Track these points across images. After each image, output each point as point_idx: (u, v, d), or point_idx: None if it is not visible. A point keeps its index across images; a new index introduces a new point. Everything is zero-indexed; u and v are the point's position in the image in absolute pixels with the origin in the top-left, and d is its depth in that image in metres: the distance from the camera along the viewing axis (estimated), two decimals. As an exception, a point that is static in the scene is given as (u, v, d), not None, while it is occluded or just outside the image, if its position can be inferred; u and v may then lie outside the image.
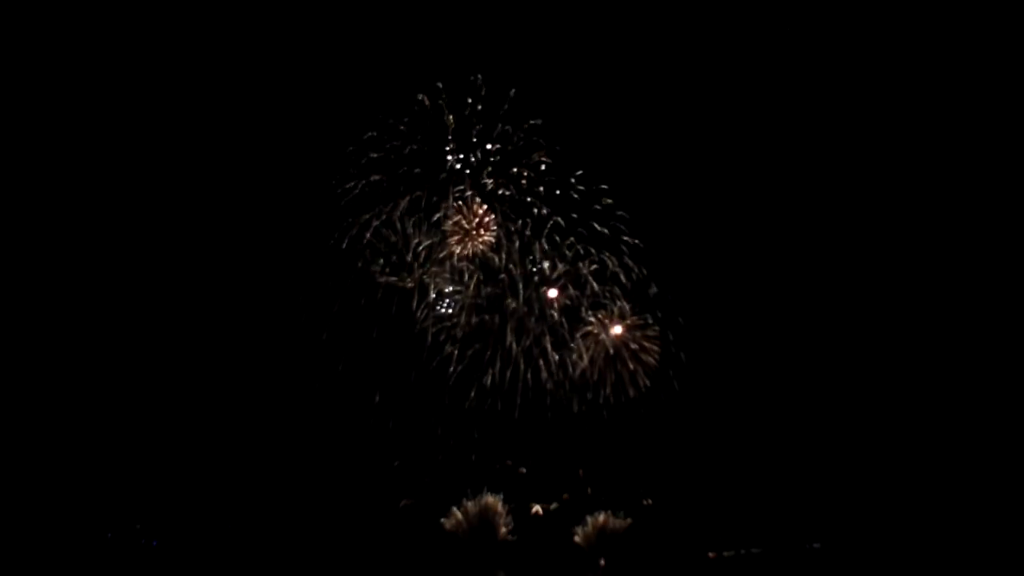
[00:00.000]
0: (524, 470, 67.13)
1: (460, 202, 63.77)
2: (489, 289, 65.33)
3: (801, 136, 67.29)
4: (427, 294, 64.65)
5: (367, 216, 63.73)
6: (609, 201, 65.10)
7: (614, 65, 67.52)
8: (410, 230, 64.25)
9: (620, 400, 65.43)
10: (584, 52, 67.01)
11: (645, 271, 65.36)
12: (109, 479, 63.58)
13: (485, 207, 63.97)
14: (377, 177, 64.18)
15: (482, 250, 64.45)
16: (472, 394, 64.63)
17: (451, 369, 64.84)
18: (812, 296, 67.29)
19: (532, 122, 64.16)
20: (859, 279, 67.29)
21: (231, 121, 64.94)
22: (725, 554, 67.91)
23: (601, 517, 66.79)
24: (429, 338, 64.74)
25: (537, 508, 67.33)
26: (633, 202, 65.64)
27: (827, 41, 66.18)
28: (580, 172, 64.69)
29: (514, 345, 65.27)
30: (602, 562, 66.28)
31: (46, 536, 60.21)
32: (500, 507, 65.97)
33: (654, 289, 65.38)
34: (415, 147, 64.44)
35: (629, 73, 67.73)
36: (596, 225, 65.28)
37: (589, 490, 66.96)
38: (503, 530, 65.68)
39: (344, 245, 63.56)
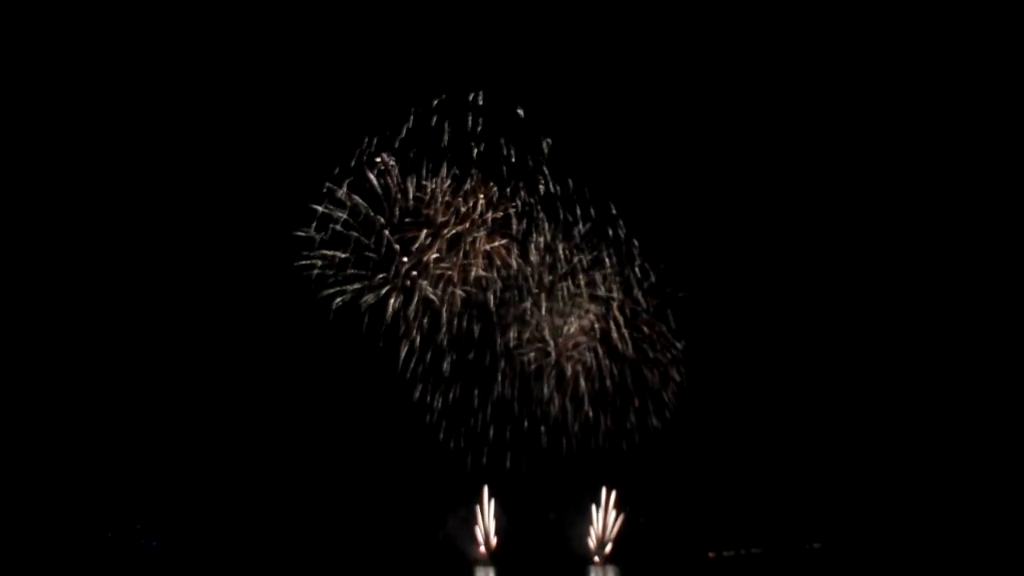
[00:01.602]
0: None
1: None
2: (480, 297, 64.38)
3: (810, 160, 67.49)
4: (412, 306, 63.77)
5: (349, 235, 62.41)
6: (614, 211, 64.82)
7: (619, 82, 67.34)
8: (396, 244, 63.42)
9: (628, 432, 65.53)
10: (588, 69, 66.75)
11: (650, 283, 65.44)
12: (109, 479, 63.55)
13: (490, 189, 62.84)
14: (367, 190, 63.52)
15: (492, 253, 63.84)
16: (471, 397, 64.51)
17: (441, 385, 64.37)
18: (810, 298, 67.42)
19: (544, 140, 62.74)
20: (855, 288, 67.54)
21: (221, 128, 64.45)
22: (725, 554, 67.99)
23: (600, 518, 66.95)
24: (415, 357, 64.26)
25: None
26: (637, 220, 65.63)
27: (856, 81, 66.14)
28: (587, 190, 64.31)
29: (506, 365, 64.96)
30: (600, 560, 66.36)
31: (46, 536, 60.16)
32: (499, 511, 65.97)
33: (654, 303, 65.43)
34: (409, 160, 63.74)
35: (635, 90, 67.59)
36: (604, 251, 65.15)
37: (588, 493, 67.01)
38: (499, 535, 65.76)
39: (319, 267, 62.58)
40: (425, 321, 63.33)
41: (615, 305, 65.17)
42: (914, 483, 64.76)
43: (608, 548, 66.40)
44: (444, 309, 63.33)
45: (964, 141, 64.62)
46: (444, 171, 62.82)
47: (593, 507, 66.62)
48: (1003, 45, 61.99)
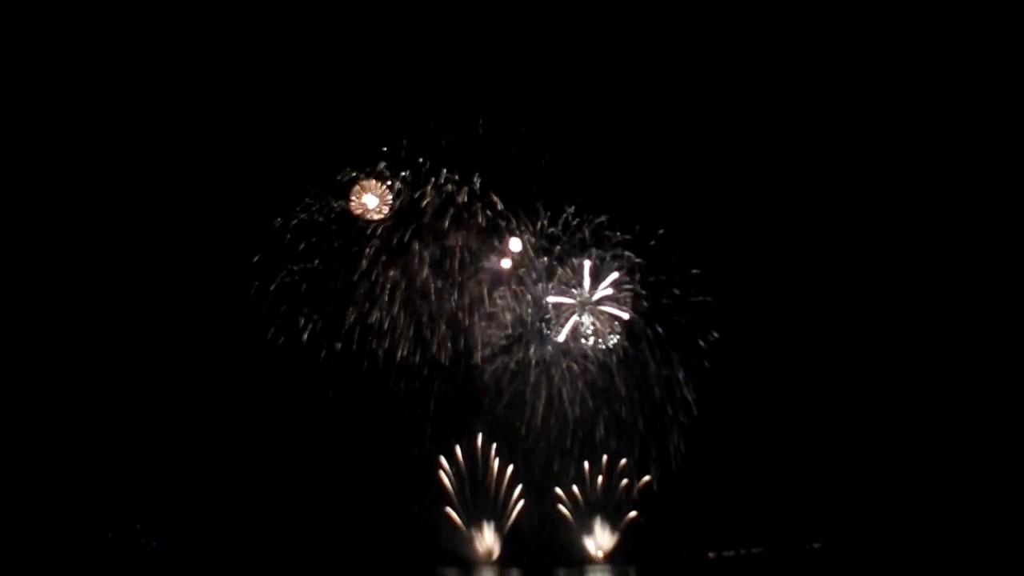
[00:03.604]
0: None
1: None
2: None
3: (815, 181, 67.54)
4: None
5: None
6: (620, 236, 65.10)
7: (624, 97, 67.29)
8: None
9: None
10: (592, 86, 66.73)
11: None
12: (109, 479, 63.50)
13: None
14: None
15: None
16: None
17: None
18: (808, 299, 67.48)
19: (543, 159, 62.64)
20: (854, 290, 67.56)
21: (211, 140, 64.22)
22: (725, 554, 68.02)
23: (601, 514, 67.00)
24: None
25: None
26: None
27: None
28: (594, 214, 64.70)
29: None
30: (601, 559, 66.41)
31: (46, 536, 60.12)
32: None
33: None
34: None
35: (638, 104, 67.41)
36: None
37: (593, 490, 66.97)
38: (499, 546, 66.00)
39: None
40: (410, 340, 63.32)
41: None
42: (914, 483, 64.78)
43: (634, 510, 66.15)
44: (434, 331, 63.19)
45: (967, 146, 64.35)
46: (442, 178, 62.96)
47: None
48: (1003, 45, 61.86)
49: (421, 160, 62.65)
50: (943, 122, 63.93)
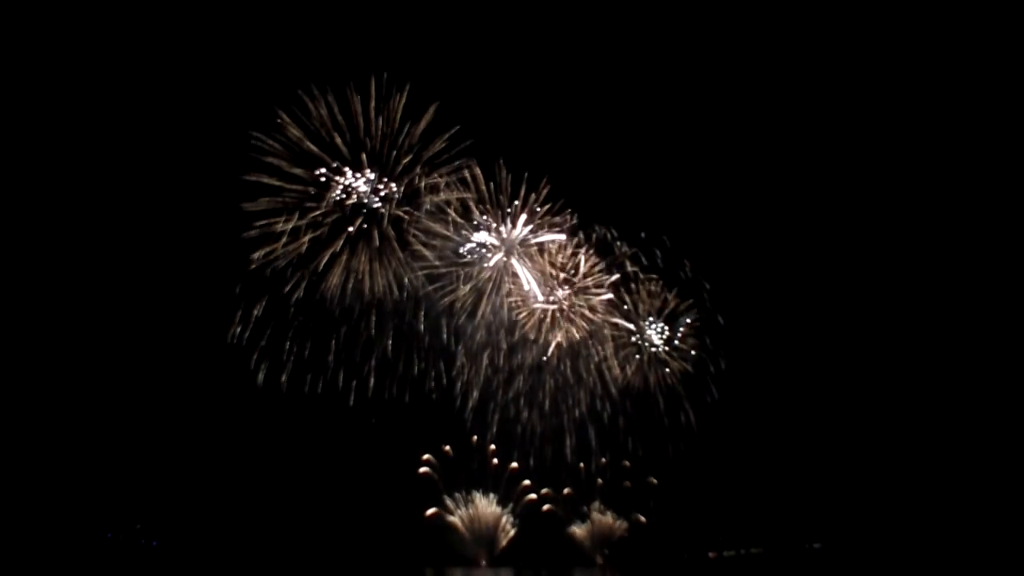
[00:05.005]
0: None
1: None
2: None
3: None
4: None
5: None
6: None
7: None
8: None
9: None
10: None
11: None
12: (109, 479, 63.53)
13: None
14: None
15: None
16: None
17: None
18: (808, 299, 67.50)
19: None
20: (853, 290, 67.61)
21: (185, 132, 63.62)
22: (725, 554, 68.05)
23: (601, 515, 66.96)
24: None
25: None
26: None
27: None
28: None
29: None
30: (600, 559, 66.41)
31: (46, 536, 60.16)
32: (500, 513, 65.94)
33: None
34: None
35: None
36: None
37: (592, 485, 67.07)
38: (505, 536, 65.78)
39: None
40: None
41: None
42: (913, 483, 64.77)
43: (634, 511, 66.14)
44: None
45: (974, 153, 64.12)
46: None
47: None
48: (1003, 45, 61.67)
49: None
50: (950, 131, 63.77)
